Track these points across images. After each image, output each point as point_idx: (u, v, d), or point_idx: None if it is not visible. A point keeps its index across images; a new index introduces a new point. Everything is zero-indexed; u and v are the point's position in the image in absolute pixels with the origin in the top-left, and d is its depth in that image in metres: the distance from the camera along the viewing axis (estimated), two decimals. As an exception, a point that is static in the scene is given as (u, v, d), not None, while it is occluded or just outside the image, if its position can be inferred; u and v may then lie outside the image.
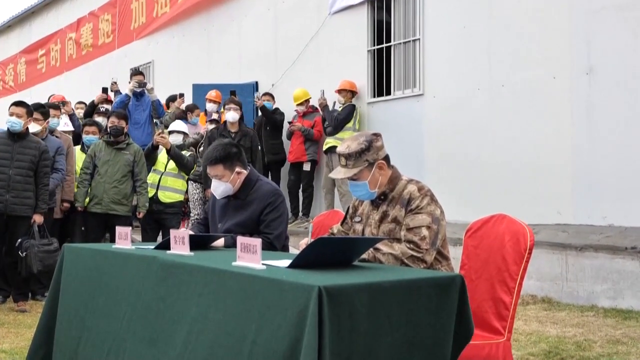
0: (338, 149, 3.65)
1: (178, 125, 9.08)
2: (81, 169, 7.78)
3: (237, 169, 4.33)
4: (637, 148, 7.13)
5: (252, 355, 2.50)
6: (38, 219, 6.84)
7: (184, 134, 8.90)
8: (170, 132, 8.66)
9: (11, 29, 21.11)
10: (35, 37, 19.66)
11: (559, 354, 4.98)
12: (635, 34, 7.20)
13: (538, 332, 5.65)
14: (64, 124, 8.61)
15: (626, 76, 7.26)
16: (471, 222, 3.83)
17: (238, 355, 2.56)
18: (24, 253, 6.71)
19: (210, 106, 10.85)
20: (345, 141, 3.65)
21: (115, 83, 11.90)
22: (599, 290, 6.73)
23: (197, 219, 9.29)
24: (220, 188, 4.34)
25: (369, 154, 3.53)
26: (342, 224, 3.92)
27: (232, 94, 10.43)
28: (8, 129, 6.68)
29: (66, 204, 7.78)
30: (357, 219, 3.76)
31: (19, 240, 6.73)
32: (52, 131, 7.77)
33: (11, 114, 6.64)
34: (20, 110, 6.65)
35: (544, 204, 7.79)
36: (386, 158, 3.61)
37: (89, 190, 7.68)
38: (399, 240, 3.43)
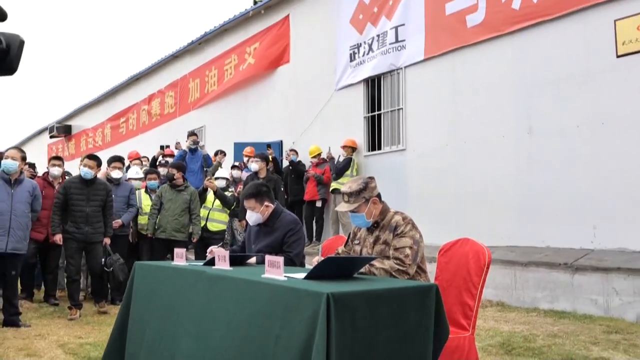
0: (342, 189, 3.64)
1: (222, 173, 9.09)
2: (151, 205, 7.80)
3: (266, 203, 4.30)
4: (567, 188, 7.07)
5: (277, 345, 2.45)
6: (108, 241, 6.85)
7: (227, 179, 8.89)
8: (216, 178, 8.67)
9: (100, 103, 21.36)
10: (118, 108, 19.85)
11: (511, 345, 4.89)
12: (563, 101, 7.19)
13: (494, 329, 5.53)
14: (135, 172, 8.66)
15: (557, 135, 7.23)
16: (443, 244, 3.77)
17: (266, 346, 2.51)
18: (111, 268, 6.85)
19: (246, 159, 10.94)
20: (347, 183, 3.64)
21: (179, 143, 12.05)
22: (540, 297, 6.61)
23: (225, 243, 9.18)
24: (253, 217, 4.32)
25: (365, 192, 3.50)
26: (345, 246, 3.86)
27: (268, 147, 10.67)
28: (81, 175, 6.64)
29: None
30: (357, 241, 3.71)
31: (103, 259, 6.79)
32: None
33: (84, 165, 6.61)
34: (92, 163, 6.62)
35: (497, 230, 7.71)
36: (378, 195, 3.57)
37: (157, 222, 7.69)
38: (388, 258, 3.37)
